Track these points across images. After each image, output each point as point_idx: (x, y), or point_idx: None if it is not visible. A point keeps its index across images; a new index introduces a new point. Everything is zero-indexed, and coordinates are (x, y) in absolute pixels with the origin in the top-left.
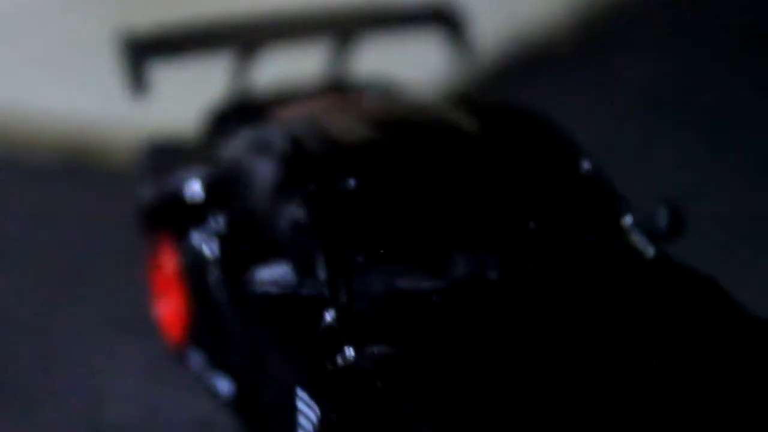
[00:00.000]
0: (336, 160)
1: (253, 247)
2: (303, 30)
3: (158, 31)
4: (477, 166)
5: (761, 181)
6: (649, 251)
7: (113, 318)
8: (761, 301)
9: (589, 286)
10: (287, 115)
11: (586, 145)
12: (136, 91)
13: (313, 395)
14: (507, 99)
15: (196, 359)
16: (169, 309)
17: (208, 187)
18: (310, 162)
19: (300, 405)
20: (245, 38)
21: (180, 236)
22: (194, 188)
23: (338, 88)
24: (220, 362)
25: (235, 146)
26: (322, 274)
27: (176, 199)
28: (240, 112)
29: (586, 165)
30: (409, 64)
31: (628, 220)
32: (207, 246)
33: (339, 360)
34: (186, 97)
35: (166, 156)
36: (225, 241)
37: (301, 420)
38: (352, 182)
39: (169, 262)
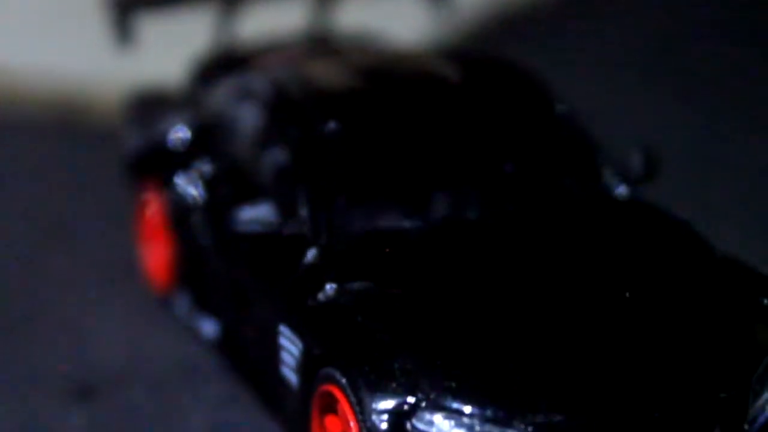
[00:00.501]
0: (318, 104)
1: (237, 191)
2: None
3: None
4: (456, 110)
5: (733, 132)
6: (624, 193)
7: (100, 264)
8: (730, 242)
9: (565, 226)
10: (270, 64)
11: (564, 99)
12: (121, 44)
13: (295, 331)
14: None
15: (181, 302)
16: (154, 255)
17: (193, 134)
18: (293, 106)
19: (282, 341)
20: None
21: (165, 183)
22: (179, 135)
23: (321, 43)
24: (204, 304)
25: (219, 94)
26: (304, 213)
27: (161, 146)
28: (224, 65)
29: (561, 111)
30: (391, 22)
31: (603, 163)
32: (192, 191)
33: (320, 296)
34: (171, 50)
35: (151, 106)
36: (209, 185)
37: (284, 356)
38: (334, 126)
39: (154, 208)
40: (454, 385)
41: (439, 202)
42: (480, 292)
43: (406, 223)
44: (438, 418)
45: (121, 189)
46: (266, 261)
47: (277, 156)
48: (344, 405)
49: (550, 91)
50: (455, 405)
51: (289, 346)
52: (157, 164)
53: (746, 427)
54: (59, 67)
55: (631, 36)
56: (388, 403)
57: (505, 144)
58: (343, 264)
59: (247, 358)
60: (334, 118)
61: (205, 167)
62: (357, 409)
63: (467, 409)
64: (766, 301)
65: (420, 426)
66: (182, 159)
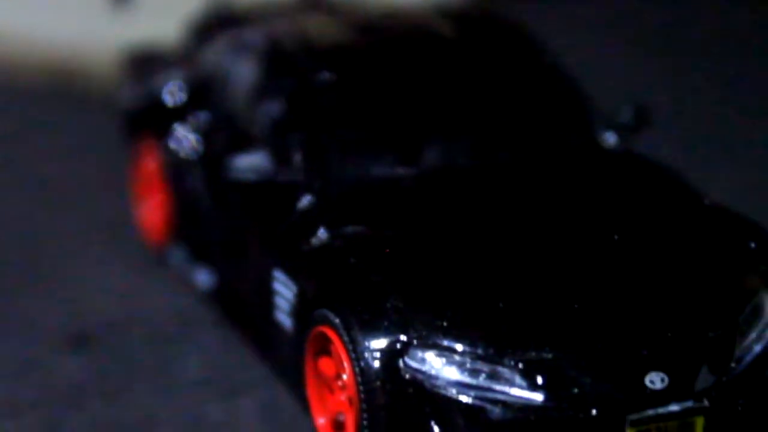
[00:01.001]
0: (313, 56)
1: (232, 142)
2: None
3: None
4: (448, 61)
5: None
6: (614, 143)
7: (97, 221)
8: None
9: (555, 174)
10: (265, 20)
11: (563, 56)
12: (116, 8)
13: (289, 275)
14: None
15: (177, 255)
16: (150, 209)
17: (188, 88)
18: (288, 58)
19: (277, 286)
20: None
21: (161, 137)
22: (175, 90)
23: (316, 5)
24: (199, 256)
25: (215, 49)
26: (298, 160)
27: (157, 101)
28: (219, 24)
29: (552, 63)
30: None
31: (593, 114)
32: (187, 144)
33: (314, 241)
34: (165, 14)
35: (147, 62)
36: (205, 138)
37: (278, 301)
38: (327, 76)
39: (150, 163)
40: (445, 323)
41: (431, 151)
42: (471, 235)
43: (399, 171)
44: (430, 355)
45: (117, 150)
46: (261, 208)
47: (271, 106)
48: (338, 345)
49: (542, 45)
50: (447, 343)
51: (284, 291)
52: (153, 119)
53: (733, 365)
54: (54, 32)
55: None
56: (381, 342)
57: (496, 94)
58: (337, 209)
59: (241, 306)
60: (328, 68)
61: (201, 120)
62: (350, 348)
63: (458, 346)
64: (753, 245)
65: (412, 364)
66: (178, 113)
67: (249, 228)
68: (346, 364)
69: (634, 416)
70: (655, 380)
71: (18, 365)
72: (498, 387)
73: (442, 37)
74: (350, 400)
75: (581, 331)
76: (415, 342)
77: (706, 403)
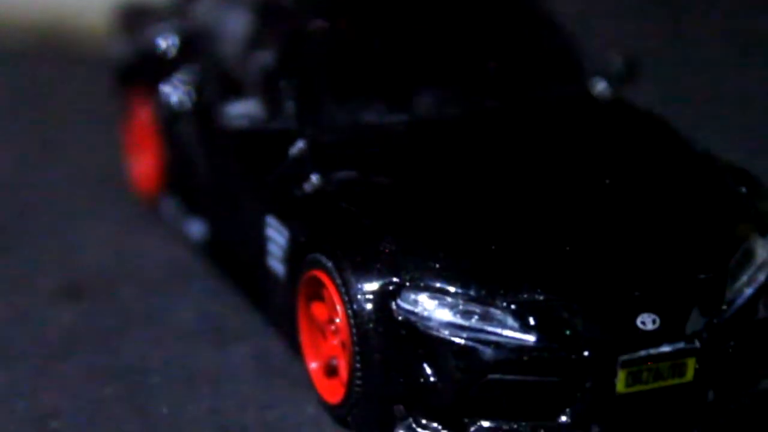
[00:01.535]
0: (306, 5)
1: (224, 91)
2: None
3: None
4: (441, 11)
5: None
6: (605, 92)
7: (89, 175)
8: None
9: (547, 121)
10: None
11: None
12: None
13: (282, 221)
14: None
15: (169, 207)
16: (142, 162)
17: (180, 40)
18: (281, 7)
19: (269, 232)
20: None
21: (154, 90)
22: (167, 42)
23: None
24: (192, 207)
25: (207, 2)
26: (290, 108)
27: (149, 53)
28: None
29: (542, 11)
30: None
31: (584, 62)
32: (180, 95)
33: (306, 187)
34: None
35: (138, 16)
36: (197, 89)
37: (271, 247)
38: (320, 23)
39: (143, 116)
40: (437, 265)
41: (422, 98)
42: (463, 180)
43: (391, 118)
44: (422, 297)
45: (108, 106)
46: (253, 155)
47: (264, 55)
48: (330, 288)
49: None
50: (439, 284)
51: (276, 237)
52: (145, 72)
53: (724, 308)
54: None
55: None
56: (373, 285)
57: (488, 43)
58: (329, 155)
59: (234, 255)
60: (320, 16)
61: (193, 72)
62: (342, 291)
63: (451, 288)
64: (743, 189)
65: (405, 306)
66: (170, 65)
67: (241, 175)
68: (338, 308)
69: (625, 357)
70: (646, 321)
71: (10, 316)
72: (490, 328)
73: None
74: (343, 344)
75: (573, 273)
76: (407, 284)
77: (697, 344)
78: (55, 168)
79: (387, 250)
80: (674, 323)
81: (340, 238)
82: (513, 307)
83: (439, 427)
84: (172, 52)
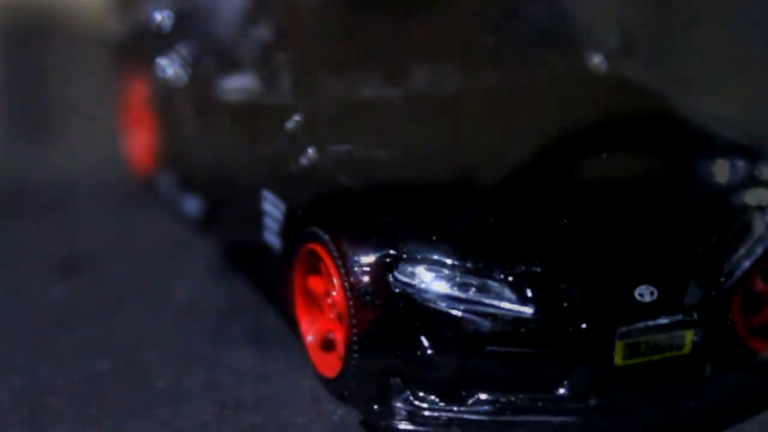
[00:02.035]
0: None
1: (221, 67)
2: None
3: None
4: None
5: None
6: (602, 67)
7: (84, 155)
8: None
9: (544, 97)
10: None
11: None
12: None
13: (278, 195)
14: None
15: (166, 184)
16: (139, 140)
17: (176, 16)
18: None
19: (266, 206)
20: None
21: (149, 66)
22: (163, 19)
23: None
24: (188, 183)
25: None
26: (287, 82)
27: (145, 30)
28: None
29: None
30: None
31: (581, 37)
32: (175, 71)
33: (303, 161)
34: None
35: None
36: (193, 65)
37: (267, 221)
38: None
39: (138, 92)
40: (434, 237)
41: (420, 73)
42: (460, 152)
43: (387, 92)
44: (420, 269)
45: (103, 83)
46: (249, 130)
47: (260, 29)
48: (327, 261)
49: None
50: (436, 257)
51: (273, 211)
52: (141, 48)
53: (722, 280)
54: None
55: None
56: (370, 257)
57: (484, 17)
58: (325, 129)
59: (230, 231)
60: None
61: (189, 48)
62: (339, 264)
63: (448, 260)
64: (741, 163)
65: (402, 278)
66: (166, 42)
67: (237, 150)
68: (335, 281)
69: (623, 329)
70: (644, 293)
71: (7, 292)
72: (487, 300)
73: None
74: (340, 317)
75: (571, 245)
76: (404, 256)
77: (695, 316)
78: (48, 146)
79: (384, 223)
80: (672, 295)
81: (337, 212)
82: (510, 279)
83: (437, 400)
84: (168, 29)
